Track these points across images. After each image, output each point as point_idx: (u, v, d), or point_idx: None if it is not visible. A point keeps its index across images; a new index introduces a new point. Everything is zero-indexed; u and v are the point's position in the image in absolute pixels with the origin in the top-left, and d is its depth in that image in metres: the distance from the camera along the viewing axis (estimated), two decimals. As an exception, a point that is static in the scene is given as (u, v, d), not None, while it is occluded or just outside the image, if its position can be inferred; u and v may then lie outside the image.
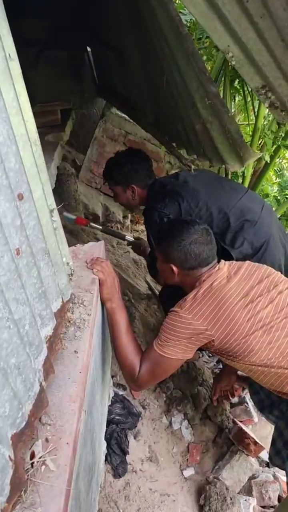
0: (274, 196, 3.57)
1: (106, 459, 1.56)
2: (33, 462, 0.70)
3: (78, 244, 1.36)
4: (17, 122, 0.65)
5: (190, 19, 2.85)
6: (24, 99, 0.68)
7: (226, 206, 1.73)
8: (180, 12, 2.25)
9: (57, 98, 2.53)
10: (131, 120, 2.98)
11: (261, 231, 1.72)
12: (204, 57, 2.70)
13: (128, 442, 1.68)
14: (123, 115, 3.12)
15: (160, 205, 1.76)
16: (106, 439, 1.58)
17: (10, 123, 0.61)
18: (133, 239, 2.42)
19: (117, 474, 1.54)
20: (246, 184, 3.00)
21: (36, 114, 0.74)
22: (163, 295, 2.22)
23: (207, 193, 1.77)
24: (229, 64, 2.29)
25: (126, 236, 2.44)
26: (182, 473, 1.80)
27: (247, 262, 1.49)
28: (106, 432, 1.60)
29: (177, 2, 2.39)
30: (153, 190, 1.88)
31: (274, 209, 2.73)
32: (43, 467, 0.71)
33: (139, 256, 2.67)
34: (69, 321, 0.98)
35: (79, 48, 2.82)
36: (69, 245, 1.10)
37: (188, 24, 2.86)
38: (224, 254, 1.64)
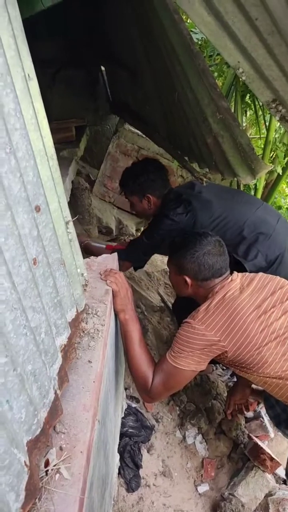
0: (287, 208, 3.56)
1: (119, 473, 1.55)
2: (47, 470, 0.71)
3: (92, 256, 1.38)
4: (35, 138, 0.68)
5: (201, 37, 2.92)
6: (42, 116, 0.72)
7: (240, 218, 1.74)
8: (191, 31, 2.31)
9: (72, 115, 2.60)
10: (144, 136, 3.04)
11: (276, 244, 1.72)
12: (215, 74, 2.75)
13: (141, 455, 1.66)
14: (136, 130, 3.18)
15: (172, 213, 1.79)
16: (119, 452, 1.57)
17: (29, 139, 0.64)
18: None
19: (130, 488, 1.53)
20: (259, 197, 3.01)
21: (52, 131, 0.77)
22: (177, 307, 2.22)
23: (221, 205, 1.79)
24: (240, 79, 2.33)
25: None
26: (196, 489, 1.76)
27: (260, 273, 1.49)
28: (119, 445, 1.59)
29: (188, 21, 2.46)
30: (168, 198, 1.90)
31: None
32: (57, 475, 0.71)
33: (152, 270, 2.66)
34: (83, 331, 1.00)
35: (93, 67, 2.91)
36: (83, 257, 1.12)
37: (199, 42, 2.93)
38: (238, 268, 1.64)
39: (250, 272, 1.64)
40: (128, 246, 2.00)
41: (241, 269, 1.66)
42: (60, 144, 2.39)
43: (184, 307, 1.80)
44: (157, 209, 1.96)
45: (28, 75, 0.65)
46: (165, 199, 1.92)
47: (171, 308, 2.61)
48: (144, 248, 1.91)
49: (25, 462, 0.59)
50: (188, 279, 1.43)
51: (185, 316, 1.37)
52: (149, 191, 1.91)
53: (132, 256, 1.91)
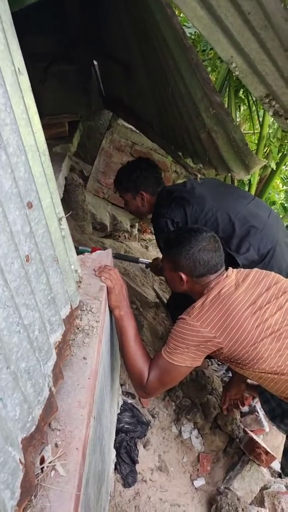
0: (281, 203, 3.58)
1: (115, 468, 1.55)
2: (43, 467, 0.71)
3: (86, 253, 1.37)
4: (26, 133, 0.67)
5: (195, 32, 2.90)
6: (33, 111, 0.71)
7: (232, 212, 1.75)
8: (184, 25, 2.29)
9: (64, 111, 2.58)
10: (137, 131, 3.02)
11: (268, 238, 1.73)
12: (209, 68, 2.74)
13: (138, 451, 1.67)
14: (130, 126, 3.16)
15: (167, 210, 1.80)
16: (115, 447, 1.57)
17: (20, 134, 0.63)
18: (148, 261, 2.41)
19: (126, 484, 1.53)
20: (253, 192, 3.01)
21: (44, 126, 0.77)
22: (171, 303, 2.23)
23: (214, 199, 1.79)
24: (233, 74, 2.32)
25: (140, 259, 2.44)
26: (192, 483, 1.78)
27: (255, 269, 1.49)
28: (115, 441, 1.60)
29: (181, 15, 2.44)
30: (161, 196, 1.92)
31: (281, 216, 2.73)
32: (53, 472, 0.71)
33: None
34: (78, 328, 0.99)
35: (86, 62, 2.88)
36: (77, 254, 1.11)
37: (192, 37, 2.91)
38: (230, 262, 1.65)
39: (243, 265, 1.65)
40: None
41: (233, 262, 1.66)
42: (53, 139, 2.37)
43: (178, 303, 1.81)
44: (151, 207, 1.97)
45: (18, 69, 0.64)
46: (158, 198, 1.93)
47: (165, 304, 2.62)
48: None
49: (20, 459, 0.59)
50: (183, 276, 1.43)
51: (179, 313, 1.37)
52: (142, 188, 1.93)
53: None
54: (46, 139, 0.77)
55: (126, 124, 3.22)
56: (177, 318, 1.36)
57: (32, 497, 0.66)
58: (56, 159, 2.17)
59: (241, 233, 1.72)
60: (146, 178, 1.92)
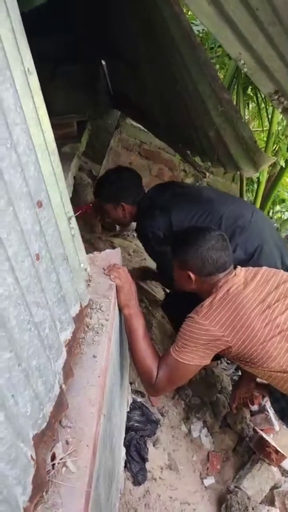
0: (291, 201, 3.54)
1: (125, 466, 1.56)
2: (54, 464, 0.71)
3: (96, 252, 1.38)
4: (36, 133, 0.67)
5: (202, 29, 2.89)
6: (42, 111, 0.71)
7: (216, 215, 1.75)
8: (192, 23, 2.28)
9: (73, 111, 2.59)
10: (145, 130, 3.02)
11: (253, 236, 1.74)
12: (217, 66, 2.73)
13: (148, 449, 1.67)
14: (138, 125, 3.16)
15: (149, 221, 1.81)
16: (125, 446, 1.58)
17: (30, 133, 0.64)
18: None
19: (136, 482, 1.54)
20: (261, 190, 2.99)
21: (53, 126, 0.77)
22: (167, 305, 2.22)
23: (197, 203, 1.80)
24: (242, 71, 2.31)
25: None
26: (202, 482, 1.77)
27: (264, 268, 1.48)
28: (125, 439, 1.60)
29: (188, 13, 2.43)
30: (142, 206, 1.92)
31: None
32: (64, 468, 0.72)
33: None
34: (87, 326, 1.00)
35: (93, 61, 2.88)
36: (86, 253, 1.12)
37: (200, 34, 2.90)
38: None
39: None
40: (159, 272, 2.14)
41: None
42: (62, 139, 2.38)
43: (176, 304, 1.81)
44: (132, 217, 1.98)
45: (28, 69, 0.65)
46: (140, 208, 1.93)
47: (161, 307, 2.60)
48: (166, 260, 1.85)
49: (31, 456, 0.60)
50: (192, 275, 1.43)
51: (178, 313, 1.38)
52: (123, 199, 1.92)
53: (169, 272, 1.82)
54: (55, 139, 0.78)
55: (134, 124, 3.22)
56: (177, 316, 1.36)
57: (44, 493, 0.67)
58: (65, 158, 2.17)
59: (227, 234, 1.72)
60: (126, 190, 1.91)
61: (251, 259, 1.71)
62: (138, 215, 1.95)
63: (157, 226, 1.79)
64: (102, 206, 2.04)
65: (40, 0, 0.94)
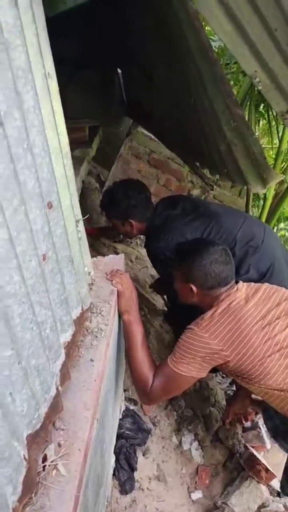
0: (296, 219, 3.55)
1: (113, 474, 1.55)
2: (45, 465, 0.71)
3: (99, 256, 1.39)
4: (51, 136, 0.69)
5: (218, 45, 2.93)
6: (59, 115, 0.73)
7: (230, 236, 1.73)
8: (210, 38, 2.31)
9: (86, 116, 2.62)
10: (156, 139, 3.04)
11: (266, 255, 1.72)
12: (231, 82, 2.76)
13: (137, 458, 1.66)
14: (149, 134, 3.19)
15: (164, 244, 1.76)
16: (114, 453, 1.57)
17: (46, 136, 0.65)
18: None
19: (124, 490, 1.52)
20: (267, 206, 3.00)
21: (66, 130, 0.78)
22: (171, 315, 2.22)
23: (208, 222, 1.77)
24: (255, 89, 2.34)
25: None
26: (190, 496, 1.75)
27: (266, 284, 1.48)
28: (115, 446, 1.59)
29: (207, 29, 2.47)
30: (153, 224, 1.87)
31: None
32: (54, 471, 0.72)
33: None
34: (87, 330, 1.00)
35: (109, 69, 2.92)
36: (91, 257, 1.13)
37: (216, 50, 2.94)
38: None
39: None
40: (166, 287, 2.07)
41: None
42: (73, 143, 2.40)
43: (179, 316, 1.80)
44: (140, 232, 1.94)
45: (48, 73, 0.66)
46: (150, 225, 1.88)
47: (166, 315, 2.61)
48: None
49: (24, 455, 0.60)
50: (194, 288, 1.42)
51: (182, 324, 1.37)
52: (131, 217, 1.87)
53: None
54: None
55: (146, 132, 3.25)
56: (180, 328, 1.36)
57: (33, 495, 0.66)
58: (75, 162, 2.19)
59: (240, 255, 1.70)
60: (134, 207, 1.85)
61: (262, 278, 1.69)
62: (148, 232, 1.90)
63: (170, 248, 1.74)
64: (108, 219, 2.01)
65: (64, 6, 0.96)
